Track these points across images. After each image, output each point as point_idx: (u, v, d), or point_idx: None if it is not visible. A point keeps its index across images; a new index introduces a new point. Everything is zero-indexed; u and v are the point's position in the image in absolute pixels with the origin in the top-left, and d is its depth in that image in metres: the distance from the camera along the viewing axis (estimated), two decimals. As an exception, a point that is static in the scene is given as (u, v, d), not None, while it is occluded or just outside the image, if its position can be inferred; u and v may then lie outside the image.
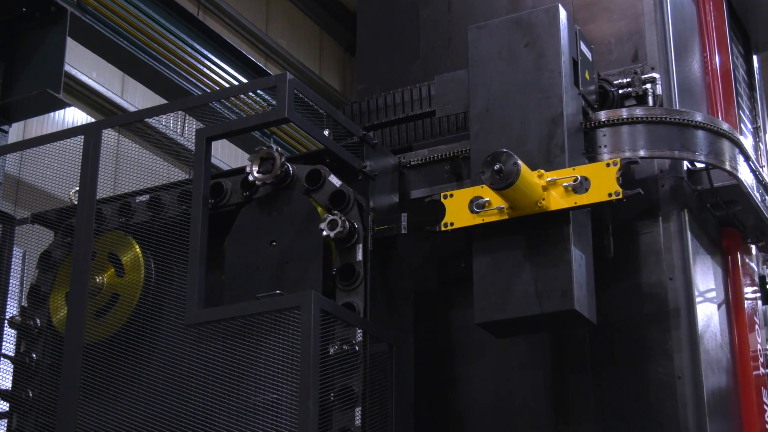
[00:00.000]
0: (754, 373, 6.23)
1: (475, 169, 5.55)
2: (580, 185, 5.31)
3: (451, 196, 5.56)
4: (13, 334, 6.13)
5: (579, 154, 5.62)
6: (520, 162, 5.16)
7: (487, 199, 5.43)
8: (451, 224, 5.52)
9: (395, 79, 6.79)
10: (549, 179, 5.36)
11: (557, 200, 5.33)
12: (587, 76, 5.87)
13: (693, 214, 5.94)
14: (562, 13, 5.72)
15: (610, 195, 5.27)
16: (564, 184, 5.33)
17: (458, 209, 5.51)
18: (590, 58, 5.95)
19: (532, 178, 5.30)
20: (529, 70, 5.68)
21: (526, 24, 5.76)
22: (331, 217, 5.53)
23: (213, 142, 5.77)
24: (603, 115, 5.82)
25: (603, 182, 5.29)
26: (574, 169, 5.36)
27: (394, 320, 5.73)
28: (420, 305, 6.07)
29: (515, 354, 5.88)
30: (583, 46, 5.87)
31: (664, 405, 5.50)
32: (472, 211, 5.48)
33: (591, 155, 5.74)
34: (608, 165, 5.32)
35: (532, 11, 5.84)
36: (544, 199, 5.32)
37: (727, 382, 5.99)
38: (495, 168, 5.17)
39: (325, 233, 5.51)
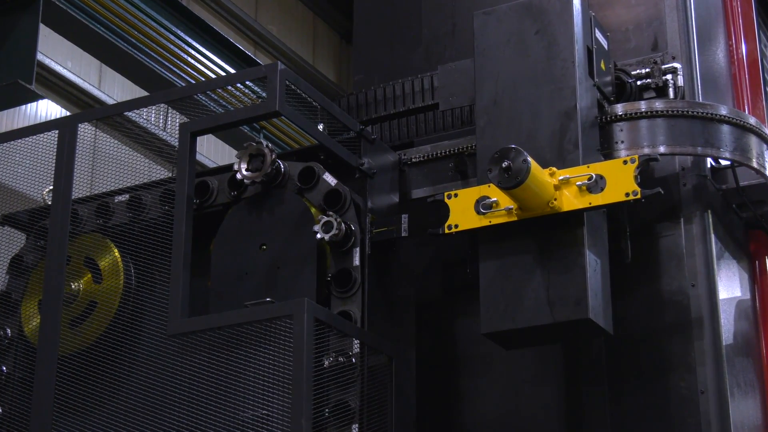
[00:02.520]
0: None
1: (481, 166, 5.56)
2: (595, 184, 5.31)
3: (456, 195, 5.56)
4: (-19, 345, 6.14)
5: (594, 150, 5.63)
6: (530, 159, 5.16)
7: (495, 199, 5.43)
8: (456, 226, 5.52)
9: (395, 69, 6.79)
10: (561, 178, 5.35)
11: (570, 200, 5.33)
12: (603, 66, 5.87)
13: (717, 215, 5.94)
14: None
15: (627, 195, 5.27)
16: (578, 183, 5.33)
17: (463, 210, 5.51)
18: (606, 47, 5.96)
19: (543, 176, 5.30)
20: (540, 60, 5.67)
21: (537, 9, 5.76)
22: (325, 218, 5.54)
23: (198, 138, 5.78)
24: (620, 108, 5.83)
25: (620, 181, 5.28)
26: (588, 167, 5.36)
27: (393, 330, 5.74)
28: (422, 314, 6.08)
29: (525, 367, 5.89)
30: (598, 34, 5.87)
31: (687, 422, 5.51)
32: (478, 212, 5.48)
33: (607, 152, 5.75)
34: (625, 162, 5.32)
35: None
36: (556, 199, 5.32)
37: (754, 396, 6.00)
38: (503, 165, 5.17)
39: (319, 236, 5.52)
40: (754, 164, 5.90)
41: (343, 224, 5.53)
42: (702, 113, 5.78)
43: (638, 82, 6.09)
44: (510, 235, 5.44)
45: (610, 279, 5.45)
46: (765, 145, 5.99)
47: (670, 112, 5.77)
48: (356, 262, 5.60)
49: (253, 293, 5.57)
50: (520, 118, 5.63)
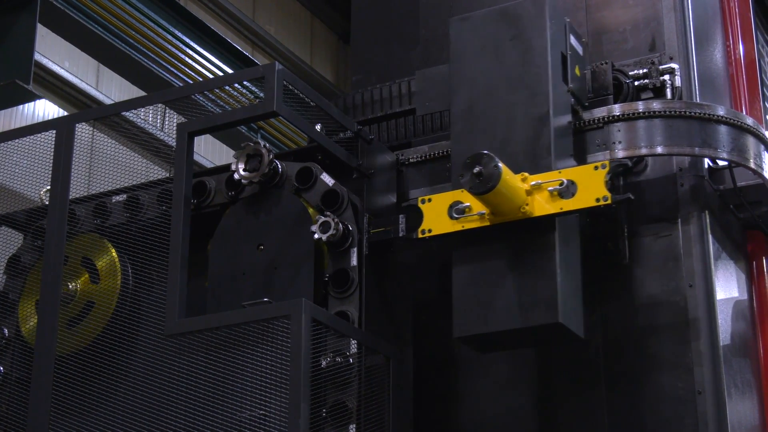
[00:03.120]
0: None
1: (455, 172, 5.58)
2: (567, 189, 5.34)
3: (429, 200, 5.59)
4: (-22, 346, 6.14)
5: (567, 156, 5.67)
6: (501, 164, 5.19)
7: (468, 204, 5.47)
8: (429, 231, 5.56)
9: (393, 69, 6.80)
10: (533, 183, 5.39)
11: (542, 205, 5.36)
12: (577, 72, 5.91)
13: (715, 215, 5.95)
14: (550, 4, 5.76)
15: (598, 200, 5.30)
16: (549, 189, 5.36)
17: (437, 215, 5.55)
18: (581, 53, 6.00)
19: (514, 181, 5.33)
20: (514, 66, 5.71)
21: (512, 16, 5.80)
22: (323, 218, 5.54)
23: (195, 138, 5.78)
24: (618, 109, 5.84)
25: (591, 186, 5.32)
26: (560, 173, 5.40)
27: (391, 331, 5.74)
28: (419, 314, 6.08)
29: (522, 367, 5.89)
30: (573, 40, 5.91)
31: (684, 422, 5.50)
32: (451, 217, 5.51)
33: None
34: (596, 168, 5.35)
35: (518, 2, 5.86)
36: (527, 204, 5.36)
37: (751, 397, 6.01)
38: (475, 171, 5.20)
39: (316, 236, 5.52)
40: (752, 165, 5.90)
41: (340, 224, 5.54)
42: (699, 114, 5.79)
43: (636, 83, 6.10)
44: (483, 240, 5.48)
45: (582, 283, 5.50)
46: (762, 146, 5.99)
47: (667, 113, 5.78)
48: (354, 262, 5.60)
49: (250, 293, 5.58)
50: (494, 123, 5.67)
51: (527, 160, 5.50)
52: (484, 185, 5.19)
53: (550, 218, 5.36)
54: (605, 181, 5.30)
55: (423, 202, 5.58)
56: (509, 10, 5.83)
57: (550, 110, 5.55)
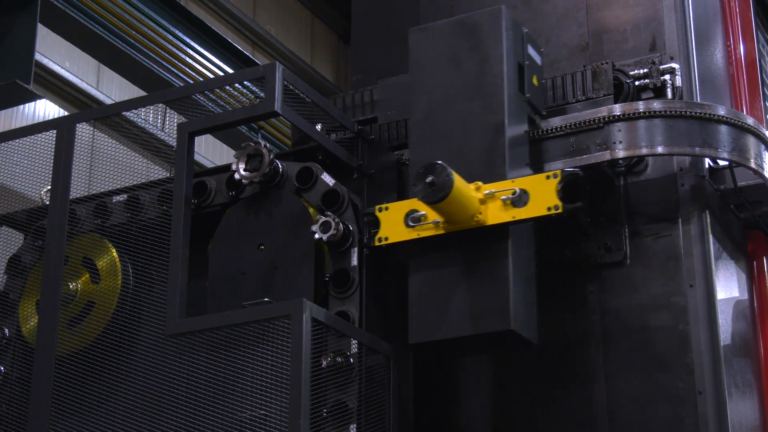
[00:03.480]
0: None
1: (412, 180, 5.61)
2: (519, 198, 5.40)
3: (387, 209, 5.63)
4: (-22, 346, 6.13)
5: (522, 165, 5.71)
6: (454, 174, 5.24)
7: (423, 212, 5.51)
8: (386, 239, 5.59)
9: (393, 69, 6.79)
10: (486, 192, 5.44)
11: (495, 214, 5.42)
12: (535, 81, 5.95)
13: (715, 215, 5.95)
14: (507, 15, 5.80)
15: (549, 209, 5.35)
16: (502, 198, 5.42)
17: (394, 223, 5.59)
18: (539, 63, 6.04)
19: (467, 190, 5.38)
20: (471, 76, 5.76)
21: (470, 27, 5.85)
22: (323, 218, 5.55)
23: (196, 138, 5.78)
24: (618, 109, 5.84)
25: (543, 195, 5.37)
26: (513, 182, 5.45)
27: (391, 331, 5.74)
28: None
29: (523, 367, 5.89)
30: (531, 50, 5.96)
31: (684, 422, 5.51)
32: (407, 225, 5.56)
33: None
34: (548, 177, 5.40)
35: (475, 13, 5.92)
36: (481, 213, 5.41)
37: (751, 397, 6.01)
38: (427, 180, 5.24)
39: (317, 236, 5.52)
40: (752, 165, 5.90)
41: (341, 224, 5.54)
42: (700, 114, 5.79)
43: (636, 83, 6.10)
44: (438, 248, 5.53)
45: (536, 290, 5.55)
46: (763, 146, 5.99)
47: (668, 113, 5.78)
48: (354, 262, 5.60)
49: (251, 293, 5.58)
50: (450, 133, 5.71)
51: (483, 169, 5.56)
52: (437, 194, 5.24)
53: (504, 226, 5.43)
54: (557, 190, 5.35)
55: (380, 210, 5.63)
56: (467, 20, 5.89)
57: (505, 120, 5.60)
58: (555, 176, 5.37)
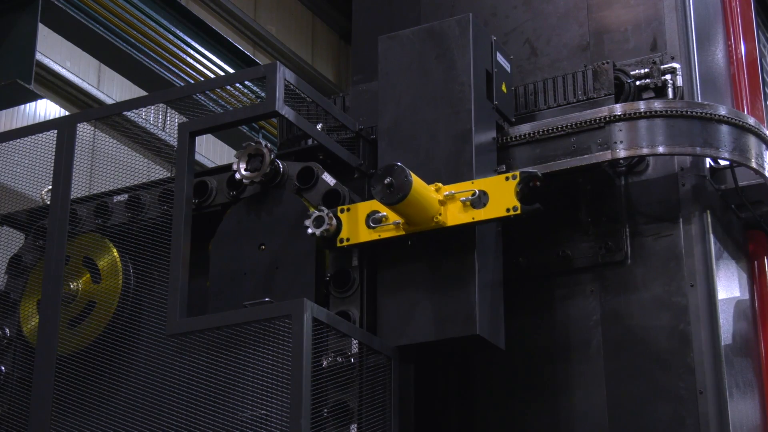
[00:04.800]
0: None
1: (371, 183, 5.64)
2: (479, 200, 5.43)
3: (348, 210, 5.64)
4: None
5: (490, 171, 5.75)
6: (412, 176, 5.27)
7: (384, 213, 5.54)
8: (347, 240, 5.60)
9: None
10: (446, 193, 5.48)
11: (455, 215, 5.46)
12: (504, 88, 5.98)
13: (716, 215, 5.95)
14: (475, 24, 5.83)
15: (508, 210, 5.39)
16: (462, 199, 5.46)
17: (355, 224, 5.60)
18: (508, 70, 6.08)
19: (427, 192, 5.41)
20: (439, 83, 5.80)
21: (438, 34, 5.89)
22: (316, 213, 5.53)
23: (197, 138, 5.78)
24: (619, 109, 5.84)
25: (502, 196, 5.41)
26: (472, 183, 5.49)
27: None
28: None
29: (524, 366, 5.89)
30: (500, 57, 6.01)
31: (685, 422, 5.51)
32: (368, 226, 5.57)
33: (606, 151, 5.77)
34: (507, 179, 5.43)
35: (444, 21, 5.96)
36: (441, 214, 5.44)
37: (752, 397, 6.01)
38: (386, 182, 5.27)
39: (310, 231, 5.52)
40: (753, 164, 5.90)
41: (334, 219, 5.53)
42: (701, 113, 5.79)
43: (637, 83, 6.10)
44: (404, 253, 5.57)
45: (502, 294, 5.60)
46: (764, 146, 5.99)
47: (669, 113, 5.78)
48: (355, 262, 5.60)
49: (251, 293, 5.58)
50: (417, 140, 5.76)
51: (449, 176, 5.60)
52: (395, 196, 5.27)
53: (469, 230, 5.47)
54: (516, 191, 5.37)
55: (342, 211, 5.63)
56: (435, 28, 5.93)
57: (472, 127, 5.63)
58: (514, 177, 5.41)
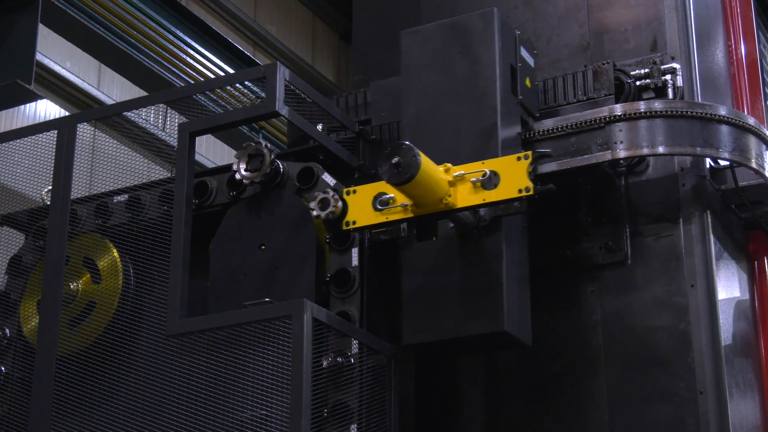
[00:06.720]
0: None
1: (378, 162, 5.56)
2: (489, 180, 5.28)
3: (354, 192, 5.51)
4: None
5: None
6: (421, 155, 5.12)
7: (391, 195, 5.40)
8: (354, 223, 5.47)
9: (394, 69, 6.79)
10: (456, 174, 5.33)
11: (464, 197, 5.30)
12: (528, 83, 5.93)
13: (716, 215, 5.96)
14: (499, 18, 5.79)
15: (520, 191, 5.23)
16: (472, 179, 5.30)
17: (361, 207, 5.46)
18: (532, 65, 6.03)
19: (435, 172, 5.26)
20: (463, 78, 5.74)
21: (461, 29, 5.84)
22: (321, 195, 5.51)
23: (197, 138, 5.79)
24: (619, 109, 5.85)
25: (513, 177, 5.25)
26: (483, 163, 5.34)
27: (393, 331, 5.75)
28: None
29: (524, 366, 5.90)
30: (523, 52, 5.95)
31: (685, 422, 5.51)
32: (375, 209, 5.42)
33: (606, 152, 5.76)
34: (519, 159, 5.28)
35: (467, 15, 5.90)
36: (450, 196, 5.30)
37: (753, 397, 6.01)
38: (393, 161, 5.12)
39: (315, 213, 5.49)
40: (753, 165, 5.90)
41: (340, 201, 5.48)
42: (701, 113, 5.79)
43: (637, 83, 6.10)
44: (430, 247, 5.51)
45: (529, 289, 5.53)
46: (764, 146, 6.00)
47: (669, 113, 5.78)
48: (355, 262, 5.60)
49: (252, 293, 5.58)
50: (442, 134, 5.69)
51: None
52: (403, 176, 5.11)
53: (497, 226, 5.39)
54: (528, 172, 5.24)
55: (348, 193, 5.50)
56: (458, 23, 5.88)
57: (497, 122, 5.58)
58: (526, 157, 5.27)
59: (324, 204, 5.48)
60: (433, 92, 5.80)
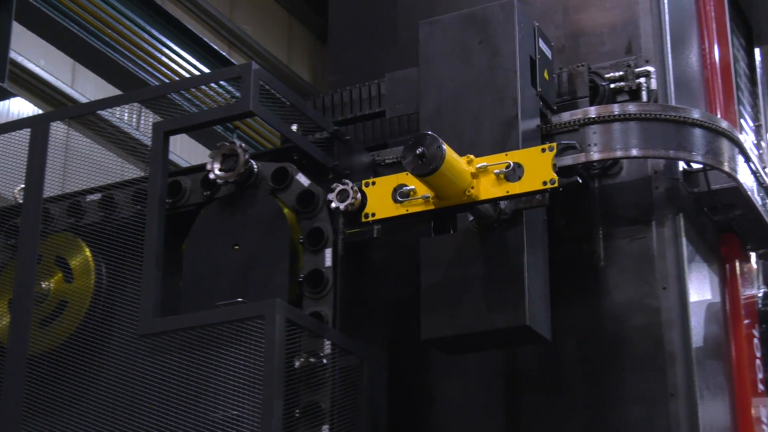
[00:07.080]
0: (753, 389, 6.28)
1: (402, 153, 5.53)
2: (513, 172, 5.22)
3: (374, 183, 5.45)
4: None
5: None
6: (445, 146, 5.07)
7: (412, 187, 5.34)
8: (373, 215, 5.41)
9: (370, 70, 6.81)
10: (479, 165, 5.28)
11: (488, 189, 5.25)
12: (546, 75, 5.92)
13: (689, 218, 5.98)
14: (519, 9, 5.77)
15: (545, 183, 5.17)
16: (495, 171, 5.25)
17: (381, 198, 5.40)
18: (550, 57, 6.01)
19: (459, 164, 5.21)
20: (482, 69, 5.72)
21: (481, 20, 5.81)
22: (341, 186, 5.49)
23: (171, 137, 5.78)
24: (593, 111, 5.87)
25: (538, 169, 5.19)
26: (506, 155, 5.30)
27: (365, 332, 5.75)
28: (395, 315, 6.08)
29: (497, 368, 5.91)
30: (542, 44, 5.93)
31: (656, 424, 5.54)
32: (395, 201, 5.37)
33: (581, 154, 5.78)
34: (543, 150, 5.23)
35: (487, 6, 5.87)
36: (473, 188, 5.24)
37: (723, 399, 6.05)
38: (417, 152, 5.05)
39: (334, 205, 5.48)
40: (726, 168, 5.94)
41: (359, 193, 5.45)
42: (675, 117, 5.83)
43: (612, 85, 6.13)
44: (451, 242, 5.46)
45: (549, 283, 5.49)
46: (737, 149, 6.03)
47: (643, 116, 5.81)
48: (328, 262, 5.60)
49: (225, 293, 5.57)
50: (462, 127, 5.65)
51: None
52: (427, 167, 5.04)
53: (518, 220, 5.34)
54: (552, 164, 5.18)
55: (367, 185, 5.44)
56: (478, 13, 5.84)
57: (518, 114, 5.56)
58: (551, 149, 5.20)
59: (343, 195, 5.48)
60: (452, 84, 5.75)
